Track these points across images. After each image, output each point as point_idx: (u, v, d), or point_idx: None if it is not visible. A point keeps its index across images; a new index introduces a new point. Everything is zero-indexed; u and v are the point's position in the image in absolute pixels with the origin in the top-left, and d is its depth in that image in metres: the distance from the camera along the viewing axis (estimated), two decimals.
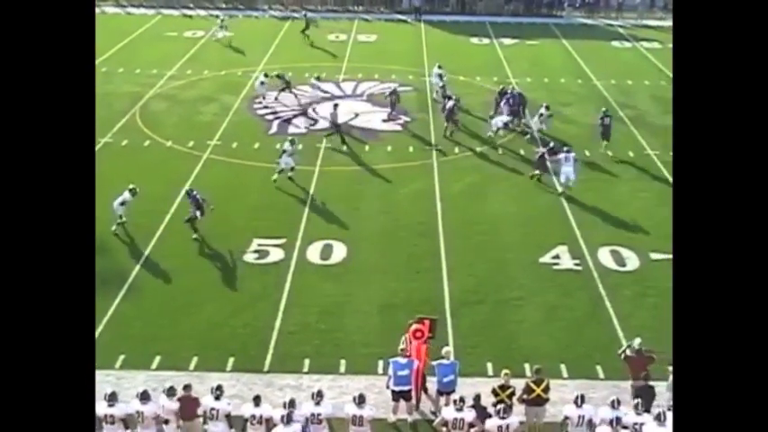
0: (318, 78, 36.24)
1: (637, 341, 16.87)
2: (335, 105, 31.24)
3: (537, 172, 27.77)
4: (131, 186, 24.23)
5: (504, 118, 31.50)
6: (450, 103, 31.73)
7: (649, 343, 18.34)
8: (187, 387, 15.40)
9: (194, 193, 23.95)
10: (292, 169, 27.57)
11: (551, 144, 28.86)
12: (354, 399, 14.97)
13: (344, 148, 30.25)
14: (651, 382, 15.92)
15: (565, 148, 27.86)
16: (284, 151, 27.55)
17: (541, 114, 32.01)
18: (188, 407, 15.07)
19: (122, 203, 23.93)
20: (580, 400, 15.01)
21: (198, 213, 23.61)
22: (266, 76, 35.56)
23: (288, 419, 14.20)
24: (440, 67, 36.48)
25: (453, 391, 16.14)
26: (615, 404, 14.77)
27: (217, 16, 48.80)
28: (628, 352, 16.77)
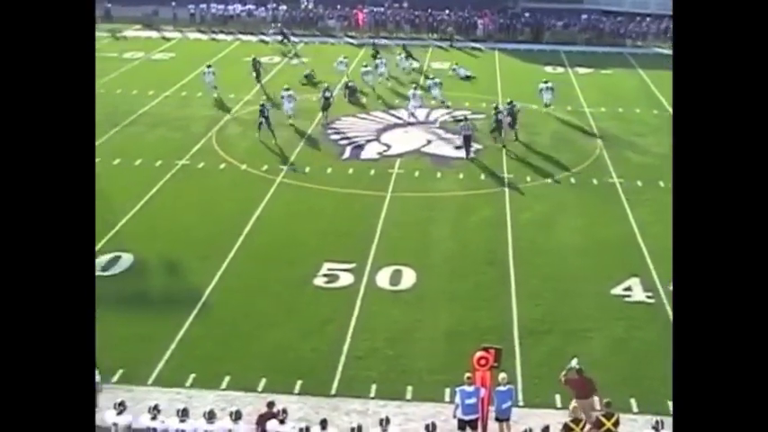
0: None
1: (574, 361, 16.88)
2: (465, 118, 33.29)
3: None
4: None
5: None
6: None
7: None
8: (271, 404, 15.66)
9: None
10: None
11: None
12: (427, 427, 14.93)
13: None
14: None
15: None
16: None
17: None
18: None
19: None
20: (660, 426, 14.91)
21: None
22: (209, 66, 40.53)
23: None
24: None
25: (509, 418, 16.10)
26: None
27: (290, 41, 49.61)
28: (568, 375, 16.75)
